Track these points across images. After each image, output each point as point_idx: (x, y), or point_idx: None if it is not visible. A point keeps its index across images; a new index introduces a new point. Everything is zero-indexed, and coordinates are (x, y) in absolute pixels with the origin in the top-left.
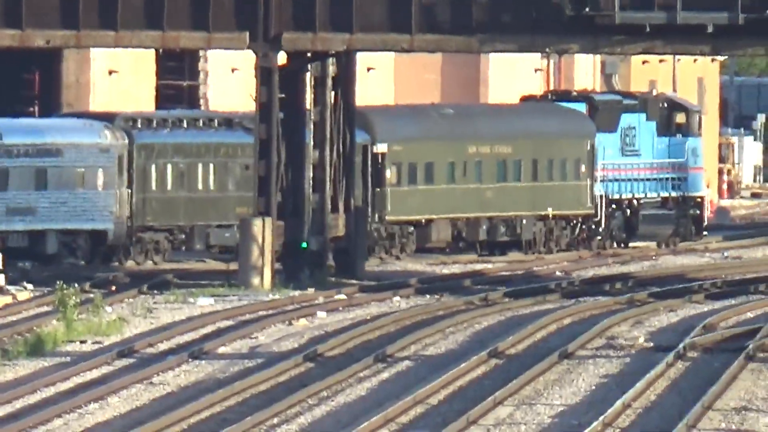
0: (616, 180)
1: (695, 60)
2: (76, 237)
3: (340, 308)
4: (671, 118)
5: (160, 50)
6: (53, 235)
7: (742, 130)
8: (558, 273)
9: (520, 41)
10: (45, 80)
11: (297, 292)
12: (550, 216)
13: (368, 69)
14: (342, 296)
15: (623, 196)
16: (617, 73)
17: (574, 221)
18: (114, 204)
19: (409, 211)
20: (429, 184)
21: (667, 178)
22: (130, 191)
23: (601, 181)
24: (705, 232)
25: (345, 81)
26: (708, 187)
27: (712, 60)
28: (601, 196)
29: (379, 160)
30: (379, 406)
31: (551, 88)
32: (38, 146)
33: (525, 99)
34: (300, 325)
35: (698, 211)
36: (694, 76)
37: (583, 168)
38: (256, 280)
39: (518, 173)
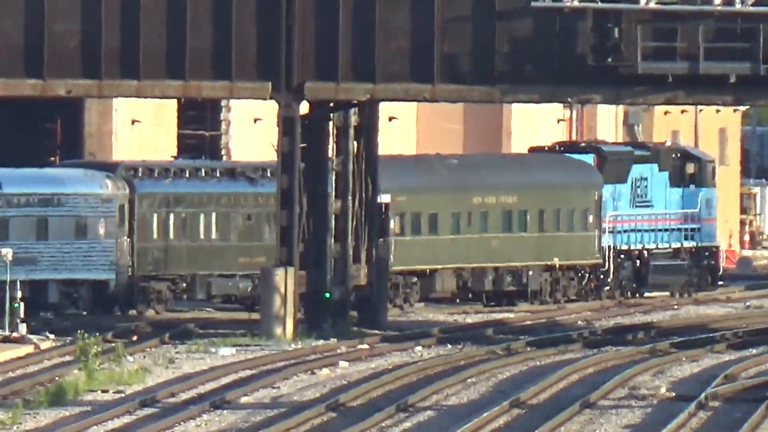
0: (626, 231)
1: (717, 110)
2: (77, 287)
3: (363, 358)
4: (684, 168)
5: (182, 100)
6: (54, 285)
7: (764, 180)
8: (580, 322)
9: (543, 91)
10: (67, 130)
11: (319, 342)
12: (557, 266)
13: (390, 119)
14: (364, 346)
15: (633, 247)
16: (640, 123)
17: (582, 271)
18: (115, 253)
19: (413, 261)
20: (433, 234)
21: (679, 229)
22: (131, 240)
23: (609, 231)
24: (720, 282)
25: (367, 130)
26: (730, 237)
27: (734, 110)
28: (609, 247)
29: (383, 210)
30: None
31: (573, 138)
32: (39, 196)
33: (533, 150)
34: (322, 374)
35: (713, 261)
36: (716, 127)
37: (590, 218)
38: (278, 330)
39: (524, 223)
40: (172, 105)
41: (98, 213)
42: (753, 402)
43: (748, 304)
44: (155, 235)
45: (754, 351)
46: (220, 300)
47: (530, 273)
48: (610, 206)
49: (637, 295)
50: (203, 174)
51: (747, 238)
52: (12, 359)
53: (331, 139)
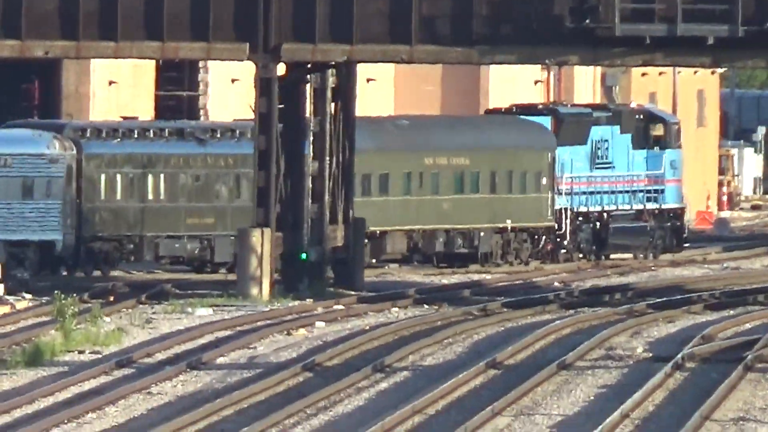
0: (585, 193)
1: (695, 72)
2: (24, 248)
3: (339, 319)
4: (648, 130)
5: (160, 61)
6: (1, 245)
7: (742, 142)
8: (557, 284)
9: (520, 53)
10: (44, 90)
11: (295, 303)
12: (509, 228)
13: (368, 80)
14: (340, 307)
15: (591, 209)
16: (617, 85)
17: (535, 234)
18: (62, 214)
19: None
20: (384, 196)
21: (642, 191)
22: (78, 201)
23: (566, 194)
24: (686, 244)
25: (345, 92)
26: (708, 198)
27: (713, 72)
28: (566, 209)
29: None
30: (377, 416)
31: (551, 99)
32: None
33: (489, 112)
34: (298, 335)
35: (678, 223)
36: (694, 89)
37: (543, 180)
38: (254, 291)
39: (476, 185)
40: (149, 66)
41: (45, 174)
42: (730, 363)
43: (725, 265)
44: (102, 196)
45: (731, 312)
46: (168, 261)
47: (482, 235)
48: (568, 168)
49: (598, 257)
50: (152, 135)
51: (725, 199)
52: None
53: (308, 100)
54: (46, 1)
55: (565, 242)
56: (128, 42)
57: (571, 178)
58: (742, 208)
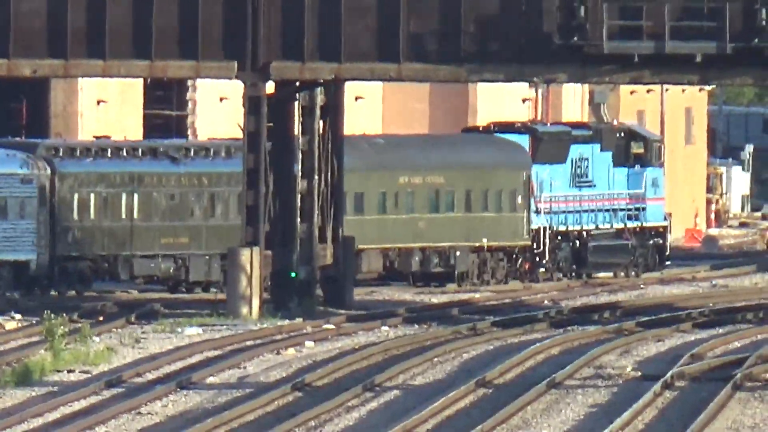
0: (564, 212)
1: (683, 90)
2: None
3: (329, 338)
4: (629, 148)
5: (148, 80)
6: None
7: (730, 159)
8: (546, 302)
9: (508, 70)
10: (33, 110)
11: (285, 322)
12: (485, 247)
13: (356, 98)
14: (330, 326)
15: (570, 228)
16: (605, 103)
17: (512, 253)
18: (36, 234)
19: None
20: (359, 215)
21: (623, 209)
22: (52, 221)
23: (545, 212)
24: (667, 262)
25: (333, 110)
26: (696, 216)
27: (700, 90)
28: (544, 228)
29: None
30: None
31: (539, 117)
32: None
33: (466, 130)
34: (288, 354)
35: (660, 241)
36: (682, 106)
37: (519, 199)
38: (244, 310)
39: (451, 204)
40: (138, 85)
41: (18, 194)
42: (719, 381)
43: (714, 283)
44: (76, 216)
45: (721, 330)
46: (143, 281)
47: (457, 254)
48: (547, 186)
49: (579, 276)
50: (125, 153)
51: (713, 216)
52: None
53: (296, 118)
54: (34, 19)
55: (544, 261)
56: (116, 60)
57: (550, 197)
58: (730, 226)
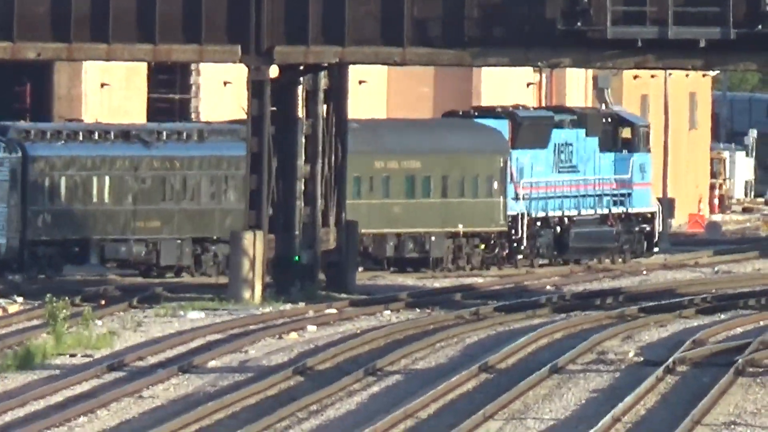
0: (545, 198)
1: (687, 75)
2: None
3: (331, 322)
4: (616, 133)
5: (152, 63)
6: None
7: (733, 145)
8: (549, 287)
9: (513, 55)
10: (36, 93)
11: (287, 306)
12: (460, 233)
13: (360, 82)
14: (332, 310)
15: (551, 214)
16: (609, 88)
17: (488, 239)
18: (6, 218)
19: None
20: None
21: (608, 195)
22: (23, 204)
23: (524, 198)
24: (656, 249)
25: (337, 94)
26: (700, 202)
27: (704, 75)
28: (522, 214)
29: None
30: (368, 420)
31: (543, 102)
32: None
33: (446, 114)
34: (290, 338)
35: (648, 228)
36: (686, 91)
37: (495, 185)
38: (246, 294)
39: (427, 189)
40: (142, 68)
41: None
42: (721, 367)
43: (716, 269)
44: (47, 199)
45: (723, 316)
46: (115, 265)
47: (433, 239)
48: (527, 172)
49: (562, 262)
50: (97, 137)
51: (716, 202)
52: None
53: (300, 102)
54: (38, 3)
55: (522, 247)
56: (120, 44)
57: (530, 182)
58: (733, 211)
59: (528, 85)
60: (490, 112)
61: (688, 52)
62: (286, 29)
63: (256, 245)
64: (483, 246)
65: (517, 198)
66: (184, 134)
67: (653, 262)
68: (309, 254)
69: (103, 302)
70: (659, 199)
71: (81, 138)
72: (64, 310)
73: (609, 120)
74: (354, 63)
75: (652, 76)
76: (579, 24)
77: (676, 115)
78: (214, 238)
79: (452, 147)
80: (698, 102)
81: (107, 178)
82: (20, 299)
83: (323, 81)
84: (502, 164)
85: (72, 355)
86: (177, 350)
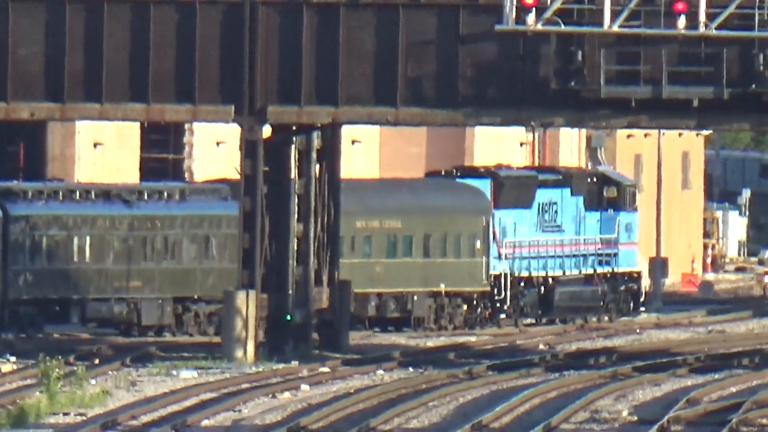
0: (528, 257)
1: (680, 134)
2: None
3: (324, 381)
4: (601, 192)
5: (145, 123)
6: None
7: (726, 204)
8: (542, 346)
9: (506, 115)
10: (30, 152)
11: (281, 365)
12: (443, 293)
13: (353, 141)
14: (326, 369)
15: (535, 273)
16: (602, 147)
17: (470, 299)
18: None
19: None
20: None
21: (593, 254)
22: (3, 264)
23: (507, 258)
24: (642, 308)
25: (330, 154)
26: (693, 261)
27: (697, 134)
28: (505, 274)
29: None
30: None
31: (536, 161)
32: None
33: (429, 174)
34: (284, 398)
35: (635, 287)
36: (679, 151)
37: (477, 244)
38: (239, 353)
39: (409, 249)
40: (135, 128)
41: None
42: (715, 426)
43: (709, 328)
44: (28, 258)
45: (717, 375)
46: (95, 324)
47: (415, 299)
48: (510, 232)
49: (546, 322)
50: (77, 196)
51: (709, 261)
52: None
53: (293, 162)
54: (32, 62)
55: (505, 307)
56: (113, 104)
57: (513, 242)
58: (726, 271)
59: (521, 144)
60: (472, 172)
61: (681, 112)
62: (279, 89)
63: (249, 304)
64: (465, 306)
65: (500, 257)
66: (165, 193)
67: (646, 320)
68: (302, 313)
69: (96, 361)
70: (652, 259)
71: (62, 197)
72: (58, 369)
73: (594, 179)
74: (347, 123)
75: (646, 135)
76: (572, 83)
77: (670, 174)
78: (196, 297)
79: (434, 207)
80: (691, 161)
81: (88, 237)
82: (13, 358)
83: (316, 141)
84: (484, 224)
85: (65, 414)
86: (170, 409)
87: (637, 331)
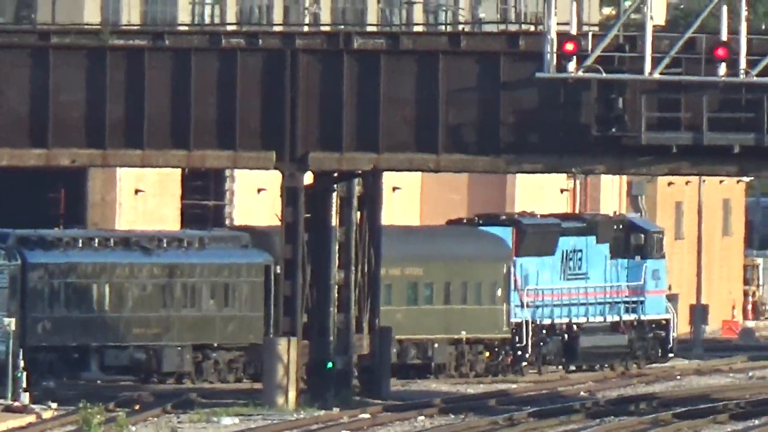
0: (550, 305)
1: (721, 181)
2: None
3: (365, 427)
4: (628, 240)
5: (186, 170)
6: None
7: (767, 251)
8: (582, 393)
9: (547, 161)
10: (71, 199)
11: (322, 412)
12: (463, 340)
13: (394, 188)
14: (366, 415)
15: (558, 321)
16: (643, 194)
17: (491, 346)
18: (6, 325)
19: None
20: None
21: (619, 302)
22: (22, 312)
23: (528, 305)
24: (671, 354)
25: (371, 201)
26: (734, 308)
27: (738, 181)
28: (526, 322)
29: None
30: None
31: (577, 208)
32: None
33: (450, 222)
34: None
35: (663, 333)
36: (719, 198)
37: (498, 292)
38: (280, 400)
39: (430, 296)
40: (176, 174)
41: None
42: None
43: (750, 374)
44: (47, 306)
45: (757, 422)
46: (114, 371)
47: (436, 346)
48: (533, 279)
49: (568, 370)
50: (96, 244)
51: (750, 308)
52: (13, 429)
53: (334, 209)
54: (73, 109)
55: (527, 355)
56: (155, 150)
57: (535, 290)
58: (767, 318)
59: (562, 191)
60: (494, 220)
61: (722, 159)
62: (320, 136)
63: (290, 351)
64: (487, 353)
65: (521, 305)
66: (185, 241)
67: (687, 367)
68: (343, 360)
69: (137, 407)
70: (693, 305)
71: (81, 245)
72: (98, 416)
73: (621, 227)
74: (388, 170)
75: (687, 183)
76: (614, 130)
77: (710, 221)
78: (215, 345)
79: (454, 254)
80: (732, 208)
81: (107, 286)
82: (54, 405)
83: (357, 188)
84: (505, 271)
85: None
86: None
87: (678, 377)
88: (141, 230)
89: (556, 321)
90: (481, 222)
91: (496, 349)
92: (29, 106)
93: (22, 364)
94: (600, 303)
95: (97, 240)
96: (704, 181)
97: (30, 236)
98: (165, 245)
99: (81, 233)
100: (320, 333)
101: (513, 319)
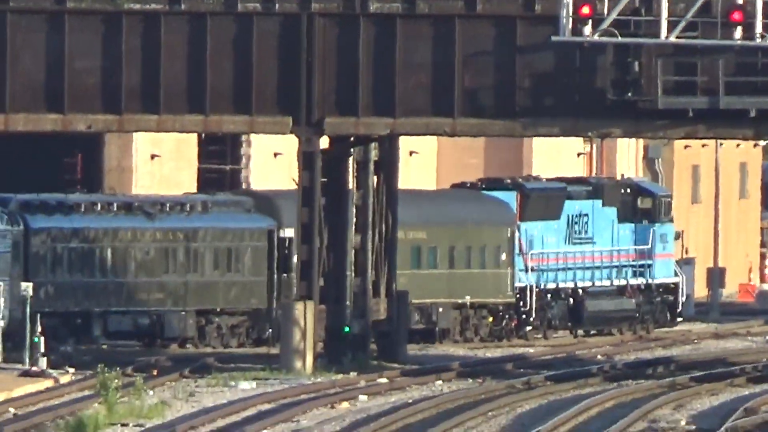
0: (555, 269)
1: (738, 145)
2: None
3: (382, 392)
4: (635, 204)
5: (202, 134)
6: None
7: None
8: (600, 357)
9: (563, 125)
10: (87, 164)
11: (339, 376)
12: (467, 304)
13: (411, 153)
14: (384, 380)
15: (562, 285)
16: (660, 158)
17: (495, 310)
18: (9, 291)
19: None
20: None
21: (626, 266)
22: (25, 277)
23: (532, 270)
24: (679, 318)
25: (388, 165)
26: (750, 271)
27: (755, 144)
28: (530, 286)
29: (286, 245)
30: None
31: (594, 172)
32: None
33: (454, 186)
34: (342, 408)
35: (671, 298)
36: (736, 161)
37: (503, 256)
38: (298, 364)
39: (434, 260)
40: (192, 139)
41: None
42: None
43: (767, 338)
44: (49, 271)
45: None
46: (118, 337)
47: (440, 311)
48: (537, 244)
49: (575, 334)
50: (99, 209)
51: (767, 272)
52: (32, 393)
53: (351, 173)
54: (89, 75)
55: (531, 319)
56: (171, 115)
57: (539, 254)
58: None
59: (578, 155)
60: (498, 184)
61: (739, 122)
62: (337, 100)
63: (307, 315)
64: (491, 317)
65: (526, 270)
66: (188, 206)
67: (704, 330)
68: (360, 324)
69: (155, 372)
70: (710, 269)
71: (83, 210)
72: (116, 380)
73: (628, 190)
74: (404, 134)
75: (703, 146)
76: (629, 94)
77: (727, 184)
78: (218, 309)
79: (458, 218)
80: (749, 171)
81: (110, 250)
82: (72, 370)
83: (374, 152)
84: (509, 235)
85: (123, 425)
86: (229, 420)
87: (695, 340)
88: (144, 195)
89: (561, 285)
90: (484, 186)
91: (501, 314)
92: (45, 72)
93: (39, 329)
94: (606, 267)
95: (99, 205)
96: (721, 144)
97: (32, 201)
98: (168, 210)
99: (84, 198)
100: (337, 297)
101: (517, 284)
